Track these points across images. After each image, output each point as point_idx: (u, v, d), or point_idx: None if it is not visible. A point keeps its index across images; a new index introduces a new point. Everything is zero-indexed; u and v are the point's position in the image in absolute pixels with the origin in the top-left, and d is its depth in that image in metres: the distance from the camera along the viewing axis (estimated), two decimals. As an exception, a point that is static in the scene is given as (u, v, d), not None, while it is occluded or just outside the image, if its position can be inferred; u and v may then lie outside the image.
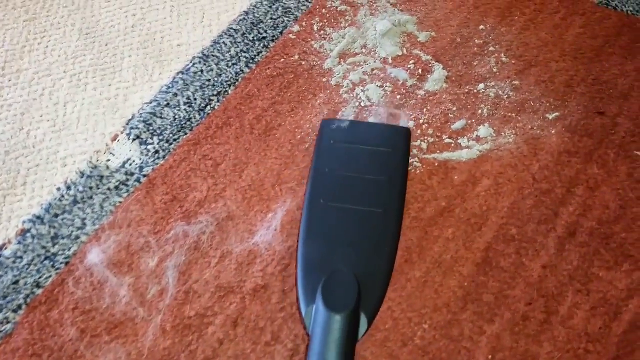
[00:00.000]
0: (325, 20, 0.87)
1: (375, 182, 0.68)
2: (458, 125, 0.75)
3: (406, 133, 0.73)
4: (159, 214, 0.69)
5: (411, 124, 0.76)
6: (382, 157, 0.70)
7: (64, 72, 0.85)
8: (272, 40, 0.85)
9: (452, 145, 0.74)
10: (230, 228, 0.68)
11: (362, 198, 0.67)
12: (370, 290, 0.58)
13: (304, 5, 0.89)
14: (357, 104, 0.78)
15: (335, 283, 0.57)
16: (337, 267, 0.59)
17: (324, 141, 0.72)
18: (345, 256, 0.61)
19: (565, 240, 0.66)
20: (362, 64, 0.82)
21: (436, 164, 0.72)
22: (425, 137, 0.74)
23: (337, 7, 0.88)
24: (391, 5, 0.88)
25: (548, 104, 0.77)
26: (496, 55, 0.82)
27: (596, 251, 0.66)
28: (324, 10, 0.88)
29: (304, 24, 0.87)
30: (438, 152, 0.73)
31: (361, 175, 0.68)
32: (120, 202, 0.71)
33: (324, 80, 0.80)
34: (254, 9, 0.89)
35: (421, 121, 0.76)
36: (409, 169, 0.71)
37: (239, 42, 0.85)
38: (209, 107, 0.78)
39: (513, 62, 0.81)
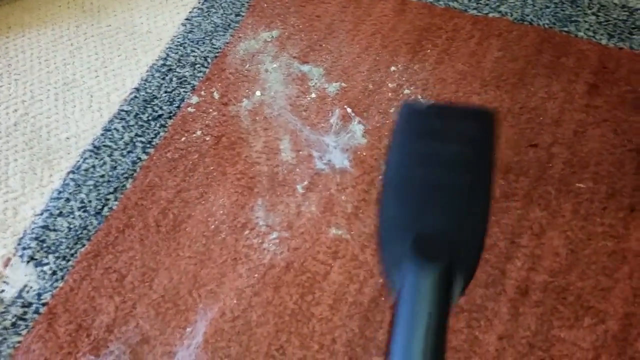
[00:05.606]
0: (226, 85, 0.78)
1: (462, 154, 0.54)
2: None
3: (491, 115, 0.60)
4: (65, 348, 0.60)
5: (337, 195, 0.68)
6: (467, 133, 0.58)
7: (-58, 189, 0.75)
8: (170, 117, 0.77)
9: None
10: (146, 353, 0.59)
11: (449, 165, 0.53)
12: (463, 249, 0.46)
13: (200, 72, 0.80)
14: (277, 171, 0.70)
15: (424, 241, 0.46)
16: (425, 225, 0.48)
17: (402, 124, 0.57)
18: (433, 215, 0.49)
19: (518, 302, 0.60)
20: (274, 124, 0.74)
21: (367, 233, 0.65)
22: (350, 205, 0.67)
23: (236, 68, 0.80)
24: (294, 58, 0.80)
25: (476, 145, 0.70)
26: (412, 97, 0.75)
27: (553, 309, 0.59)
28: (222, 74, 0.80)
29: (202, 92, 0.78)
30: (369, 217, 0.66)
31: (447, 146, 0.55)
32: (20, 342, 0.61)
33: (233, 152, 0.72)
34: (145, 84, 0.80)
35: (345, 194, 0.69)
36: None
37: (132, 125, 0.76)
38: (106, 209, 0.70)
39: (432, 102, 0.74)
